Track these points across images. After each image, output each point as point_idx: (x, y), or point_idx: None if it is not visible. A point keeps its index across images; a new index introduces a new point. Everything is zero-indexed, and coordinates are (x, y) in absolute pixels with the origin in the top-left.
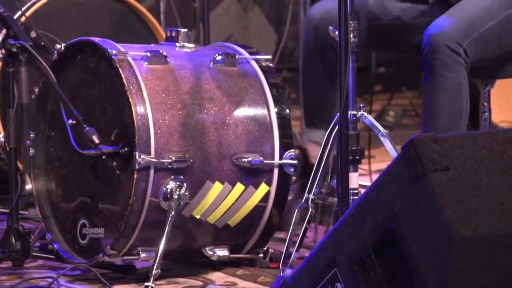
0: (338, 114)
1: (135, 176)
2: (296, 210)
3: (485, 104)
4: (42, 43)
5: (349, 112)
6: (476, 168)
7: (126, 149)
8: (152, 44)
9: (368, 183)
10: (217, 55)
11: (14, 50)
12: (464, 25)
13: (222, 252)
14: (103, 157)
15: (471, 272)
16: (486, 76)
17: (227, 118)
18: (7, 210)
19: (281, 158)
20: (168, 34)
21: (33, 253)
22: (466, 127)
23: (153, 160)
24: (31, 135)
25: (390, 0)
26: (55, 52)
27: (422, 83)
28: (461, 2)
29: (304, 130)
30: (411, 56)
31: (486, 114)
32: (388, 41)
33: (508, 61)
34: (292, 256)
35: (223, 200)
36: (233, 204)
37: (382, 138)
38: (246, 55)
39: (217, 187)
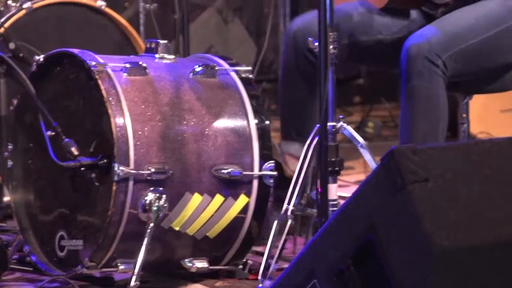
0: (318, 125)
1: (114, 187)
2: (275, 222)
3: (464, 115)
4: (21, 55)
5: (329, 123)
6: (454, 179)
7: (105, 160)
8: (131, 56)
9: (348, 194)
10: (196, 66)
11: None
12: (444, 38)
13: (201, 264)
14: (82, 168)
15: (450, 283)
16: (465, 91)
17: (207, 129)
18: None
19: (260, 169)
20: (148, 46)
21: (11, 266)
22: (445, 138)
23: (132, 171)
24: (9, 147)
25: (372, 16)
26: (34, 63)
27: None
28: (443, 18)
29: (280, 142)
30: (392, 69)
31: (465, 125)
32: (370, 56)
33: (487, 78)
34: (271, 267)
35: (202, 211)
36: (212, 215)
37: (361, 150)
38: (226, 66)
39: (196, 199)
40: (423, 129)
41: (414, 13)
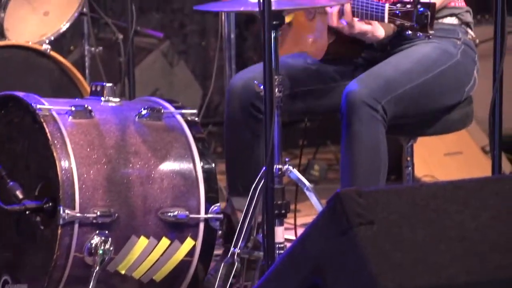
0: (264, 167)
1: (59, 231)
2: (222, 265)
3: (408, 158)
4: None
5: (274, 166)
6: (399, 222)
7: (50, 204)
8: (77, 99)
9: (294, 237)
10: (142, 109)
11: None
12: (383, 84)
13: None
14: (27, 212)
15: None
16: (408, 133)
17: (153, 172)
18: None
19: (206, 212)
20: (93, 89)
21: None
22: (385, 182)
23: (78, 215)
24: None
25: (314, 66)
26: None
27: None
28: (381, 64)
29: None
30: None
31: (410, 168)
32: (311, 104)
33: (428, 121)
34: None
35: (148, 255)
36: (158, 259)
37: (307, 192)
38: (172, 109)
39: (142, 242)
40: (364, 174)
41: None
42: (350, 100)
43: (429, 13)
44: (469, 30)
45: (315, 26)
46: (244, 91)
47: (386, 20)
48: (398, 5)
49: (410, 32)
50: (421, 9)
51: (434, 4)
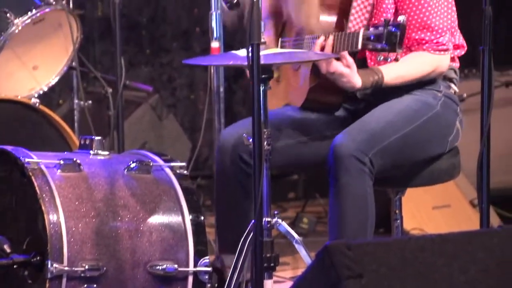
0: (253, 220)
1: (47, 285)
2: None
3: (397, 211)
4: None
5: (264, 219)
6: (389, 275)
7: (38, 258)
8: (66, 152)
9: None
10: (131, 162)
11: None
12: (369, 136)
13: None
14: (15, 266)
15: None
16: (395, 185)
17: (141, 225)
18: None
19: (195, 265)
20: (82, 142)
21: None
22: (372, 234)
23: (66, 268)
24: None
25: (297, 118)
26: None
27: None
28: (365, 116)
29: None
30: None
31: (398, 221)
32: (297, 156)
33: (414, 172)
34: None
35: None
36: None
37: (296, 245)
38: (161, 162)
39: None
40: (352, 227)
41: (339, 111)
42: (338, 153)
43: (399, 33)
44: (452, 85)
45: (299, 75)
46: (233, 146)
47: (359, 45)
48: (371, 29)
49: (382, 57)
50: (392, 29)
51: (404, 25)
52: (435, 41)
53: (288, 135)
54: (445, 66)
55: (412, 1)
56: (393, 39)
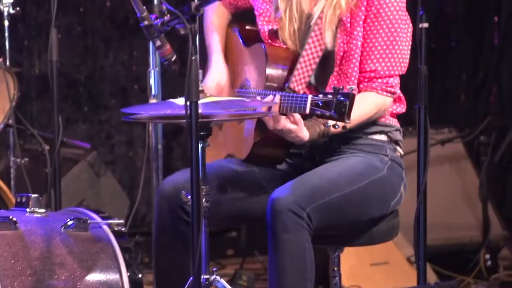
0: (191, 277)
1: None
2: None
3: (335, 268)
4: None
5: (202, 276)
6: None
7: None
8: (1, 210)
9: None
10: (68, 220)
11: None
12: (308, 191)
13: None
14: None
15: None
16: (335, 243)
17: (78, 283)
18: None
19: None
20: (19, 200)
21: None
22: None
23: None
24: None
25: (240, 172)
26: None
27: None
28: (308, 172)
29: None
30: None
31: (336, 278)
32: (236, 211)
33: (354, 231)
34: None
35: None
36: None
37: None
38: (98, 219)
39: None
40: (291, 284)
41: (282, 165)
42: (275, 207)
43: (348, 102)
44: (398, 148)
45: (243, 128)
46: (173, 195)
47: (307, 110)
48: (320, 95)
49: (329, 124)
50: (341, 98)
51: (353, 94)
52: (385, 80)
53: (231, 189)
54: (387, 108)
55: (383, 27)
56: (342, 108)
